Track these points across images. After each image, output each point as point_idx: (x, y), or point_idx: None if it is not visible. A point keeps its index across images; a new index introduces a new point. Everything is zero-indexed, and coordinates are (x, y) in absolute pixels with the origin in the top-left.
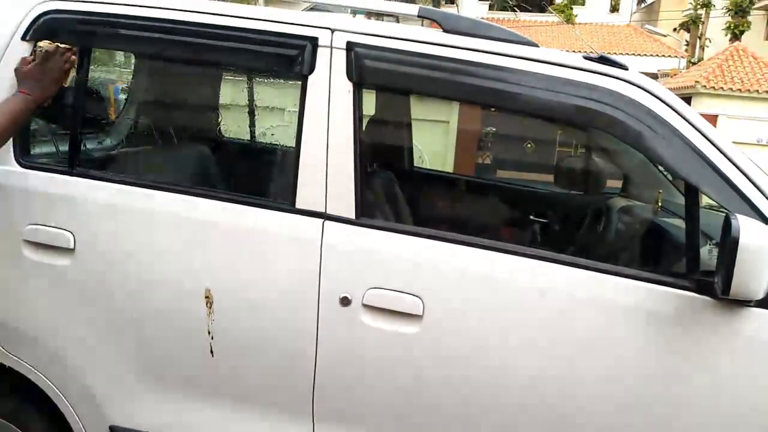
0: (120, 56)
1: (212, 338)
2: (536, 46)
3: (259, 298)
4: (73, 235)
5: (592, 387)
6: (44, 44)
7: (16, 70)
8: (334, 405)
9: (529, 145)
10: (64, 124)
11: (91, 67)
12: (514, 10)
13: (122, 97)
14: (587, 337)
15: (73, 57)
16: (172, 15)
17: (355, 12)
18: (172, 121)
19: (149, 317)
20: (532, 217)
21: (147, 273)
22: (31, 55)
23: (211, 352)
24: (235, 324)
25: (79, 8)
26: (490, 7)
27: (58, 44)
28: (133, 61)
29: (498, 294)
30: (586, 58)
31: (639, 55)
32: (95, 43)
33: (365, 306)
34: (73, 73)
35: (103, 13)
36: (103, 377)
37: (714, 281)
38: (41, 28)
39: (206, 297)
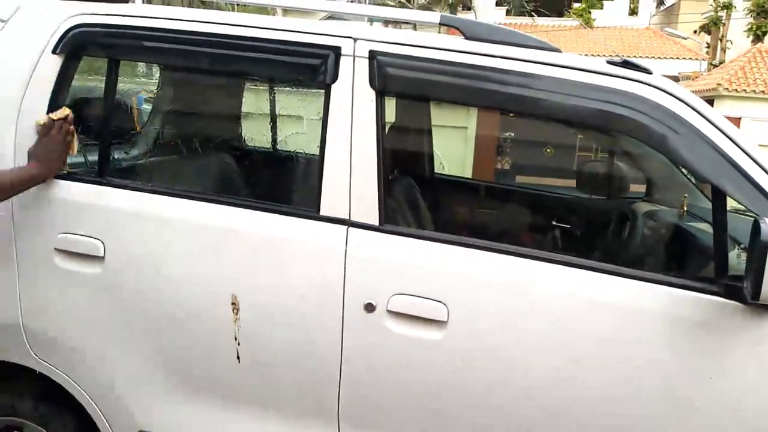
0: (142, 67)
1: (239, 344)
2: (559, 51)
3: (284, 304)
4: (103, 243)
5: (617, 393)
6: (42, 119)
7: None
8: (359, 411)
9: (548, 150)
10: (93, 135)
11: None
12: (532, 15)
13: (145, 107)
14: (613, 343)
15: (71, 127)
16: (198, 27)
17: (372, 20)
18: (196, 131)
19: (177, 324)
20: (554, 222)
21: (174, 280)
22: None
23: (238, 357)
24: (261, 330)
25: (108, 21)
26: (508, 12)
27: (52, 116)
28: (158, 72)
29: (523, 300)
30: (609, 62)
31: (659, 58)
32: (124, 55)
33: (390, 312)
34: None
35: (132, 26)
36: (133, 383)
37: (743, 286)
38: (72, 41)
39: (233, 303)
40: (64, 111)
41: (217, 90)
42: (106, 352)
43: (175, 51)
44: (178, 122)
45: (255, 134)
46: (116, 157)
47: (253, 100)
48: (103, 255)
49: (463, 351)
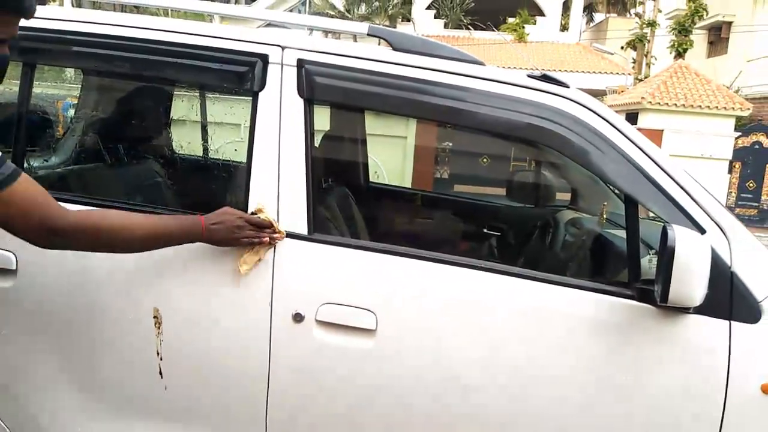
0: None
1: (161, 359)
2: (483, 64)
3: (208, 316)
4: (15, 256)
5: (543, 395)
6: (264, 215)
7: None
8: (288, 423)
9: (484, 160)
10: (5, 143)
11: (38, 83)
12: (469, 29)
13: (71, 113)
14: (537, 347)
15: (265, 240)
16: (121, 31)
17: (312, 29)
18: (118, 138)
19: (96, 340)
20: (485, 230)
21: (93, 294)
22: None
23: (160, 373)
24: (185, 343)
25: (29, 24)
26: (445, 26)
27: (273, 221)
28: (81, 78)
29: (450, 307)
30: (529, 76)
31: (589, 72)
32: (41, 60)
33: (318, 322)
34: None
35: (49, 29)
36: (48, 404)
37: (654, 289)
38: None
39: (154, 317)
40: (281, 233)
41: (142, 96)
42: (18, 373)
43: (95, 56)
44: (101, 129)
45: (189, 142)
46: (33, 165)
47: (189, 106)
48: (15, 268)
49: (393, 359)
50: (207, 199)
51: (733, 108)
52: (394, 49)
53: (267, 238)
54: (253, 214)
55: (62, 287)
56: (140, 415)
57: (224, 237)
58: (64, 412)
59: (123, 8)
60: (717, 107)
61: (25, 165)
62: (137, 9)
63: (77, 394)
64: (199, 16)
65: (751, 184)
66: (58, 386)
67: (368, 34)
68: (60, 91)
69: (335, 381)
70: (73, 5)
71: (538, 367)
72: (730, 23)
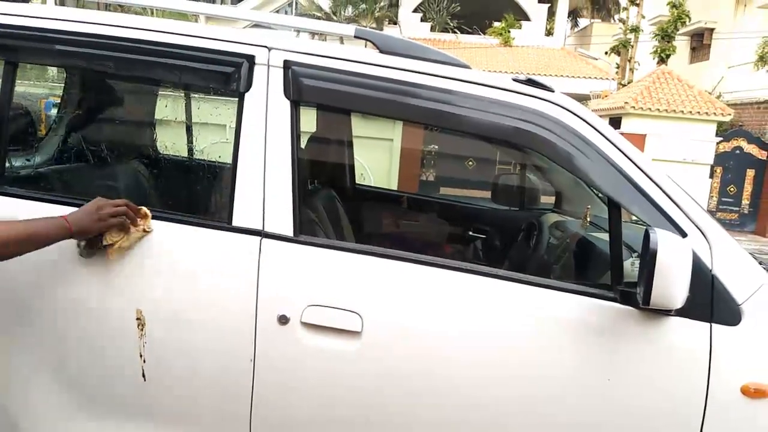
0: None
1: (144, 361)
2: (468, 67)
3: (194, 318)
4: None
5: (526, 396)
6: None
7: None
8: (272, 425)
9: (470, 163)
10: None
11: (20, 81)
12: (455, 32)
13: (53, 112)
14: (519, 349)
15: (133, 228)
16: (103, 30)
17: (298, 31)
18: (102, 138)
19: (78, 340)
20: (470, 232)
21: (75, 294)
22: None
23: (143, 375)
24: (169, 346)
25: (7, 22)
26: (432, 29)
27: (141, 209)
28: (64, 77)
29: (435, 309)
30: (514, 80)
31: (573, 77)
32: (23, 58)
33: (304, 324)
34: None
35: (32, 27)
36: (29, 405)
37: (636, 292)
38: None
39: (138, 319)
40: (147, 212)
41: (126, 96)
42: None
43: (79, 55)
44: (85, 129)
45: (175, 142)
46: (15, 164)
47: (175, 106)
48: None
49: (378, 361)
50: (191, 199)
51: (714, 113)
52: (381, 51)
53: (129, 219)
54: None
55: (44, 288)
56: (123, 418)
57: (88, 221)
58: (45, 414)
59: (108, 7)
60: (699, 112)
61: (7, 164)
62: (122, 8)
63: (58, 395)
64: (184, 15)
65: (731, 189)
66: (40, 388)
67: (355, 36)
68: (43, 89)
69: (320, 383)
70: (56, 3)
71: (522, 368)
72: (712, 30)
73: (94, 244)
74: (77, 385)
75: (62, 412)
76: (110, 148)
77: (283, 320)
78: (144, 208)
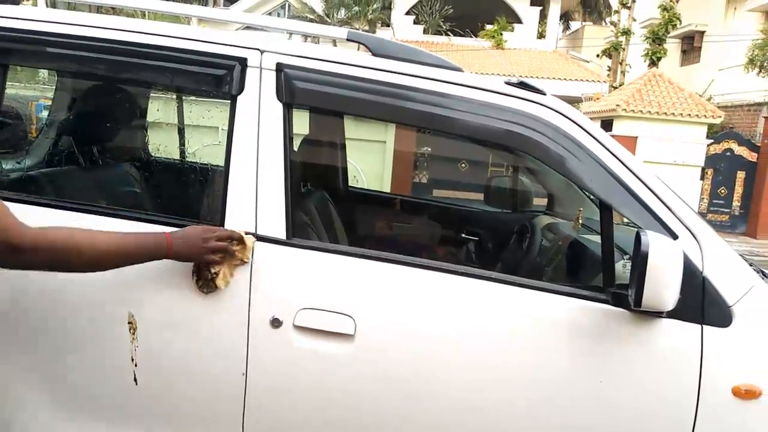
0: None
1: (135, 365)
2: (461, 71)
3: (185, 322)
4: None
5: (520, 398)
6: (248, 237)
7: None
8: (265, 429)
9: (463, 165)
10: None
11: (11, 83)
12: (448, 35)
13: (44, 114)
14: (512, 351)
15: (234, 262)
16: (97, 33)
17: (291, 33)
18: (92, 141)
19: (70, 345)
20: (463, 235)
21: (67, 297)
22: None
23: (135, 380)
24: (161, 350)
25: (2, 24)
26: (425, 31)
27: (249, 237)
28: (55, 79)
29: (428, 311)
30: (507, 83)
31: (565, 79)
32: (14, 60)
33: (296, 327)
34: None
35: (26, 30)
36: (20, 410)
37: (628, 294)
38: None
39: (129, 322)
40: (252, 241)
41: (117, 99)
42: None
43: (71, 57)
44: (74, 131)
45: (169, 145)
46: (6, 167)
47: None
48: None
49: (371, 363)
50: (183, 202)
51: (705, 116)
52: (374, 54)
53: (236, 249)
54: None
55: (34, 290)
56: (114, 422)
57: (190, 250)
58: (36, 419)
59: (99, 9)
60: (690, 115)
61: None
62: (113, 10)
63: (50, 402)
64: (176, 18)
65: (722, 191)
66: (31, 392)
67: (348, 39)
68: (33, 92)
69: (313, 386)
70: (47, 5)
71: (515, 370)
72: (702, 33)
73: (203, 275)
74: (68, 389)
75: (52, 417)
76: (101, 151)
77: (276, 323)
78: (247, 238)
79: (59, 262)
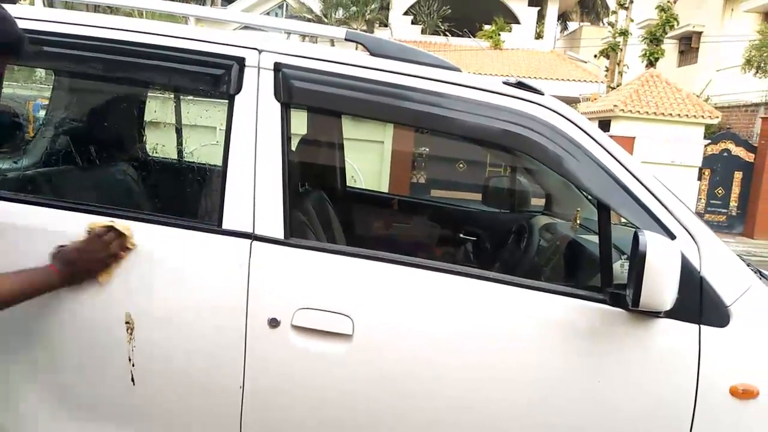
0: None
1: (133, 365)
2: (459, 71)
3: (183, 322)
4: None
5: (517, 398)
6: (95, 224)
7: (58, 247)
8: (262, 429)
9: (460, 165)
10: None
11: (8, 83)
12: (446, 35)
13: (42, 114)
14: (510, 351)
15: (121, 253)
16: (96, 32)
17: (289, 33)
18: (89, 141)
19: (68, 345)
20: (461, 235)
21: (64, 297)
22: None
23: (132, 380)
24: (159, 350)
25: None
26: (423, 31)
27: (112, 226)
28: (52, 78)
29: (426, 311)
30: (505, 83)
31: (563, 80)
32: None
33: (294, 327)
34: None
35: (22, 29)
36: (15, 409)
37: (626, 294)
38: None
39: (127, 322)
40: (127, 228)
41: (115, 98)
42: None
43: (68, 57)
44: (71, 131)
45: (166, 145)
46: (2, 167)
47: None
48: None
49: (369, 363)
50: (181, 202)
51: (702, 116)
52: (372, 54)
53: (117, 247)
54: (87, 235)
55: None
56: (112, 422)
57: (75, 267)
58: (33, 418)
59: (96, 8)
60: (687, 115)
61: None
62: (111, 9)
63: (47, 401)
64: (174, 17)
65: (719, 191)
66: (28, 392)
67: (346, 39)
68: (31, 91)
69: (311, 386)
70: (44, 5)
71: (513, 370)
72: (699, 33)
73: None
74: (65, 389)
75: (50, 417)
76: (99, 151)
77: (274, 323)
78: (122, 228)
79: None
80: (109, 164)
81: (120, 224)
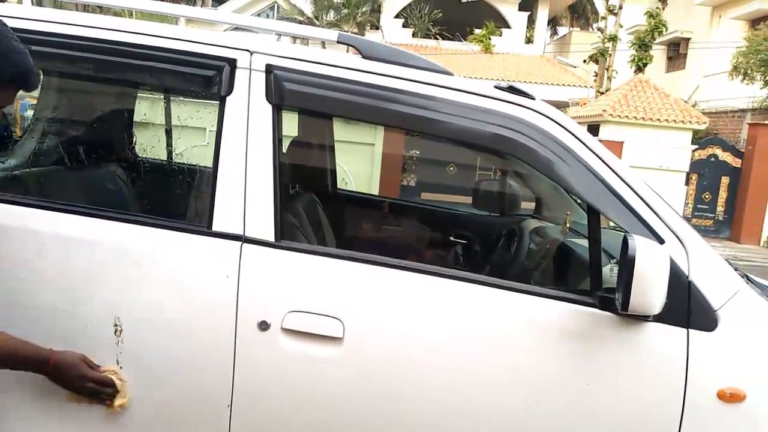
0: None
1: (120, 367)
2: (451, 74)
3: (172, 324)
4: None
5: (507, 401)
6: (118, 375)
7: (80, 358)
8: (251, 431)
9: (451, 168)
10: None
11: None
12: (437, 38)
13: (29, 113)
14: (500, 354)
15: (106, 404)
16: (86, 32)
17: (280, 35)
18: (78, 141)
19: (54, 346)
20: (451, 238)
21: (53, 300)
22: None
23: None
24: (147, 352)
25: None
26: (413, 35)
27: (120, 385)
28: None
29: (416, 314)
30: (496, 87)
31: (552, 84)
32: None
33: (284, 330)
34: None
35: (14, 29)
36: (3, 412)
37: (615, 298)
38: None
39: (115, 324)
40: (124, 402)
41: (104, 98)
42: None
43: (57, 56)
44: (60, 131)
45: (156, 146)
46: None
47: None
48: None
49: (359, 366)
50: (170, 204)
51: (690, 121)
52: (364, 56)
53: (107, 400)
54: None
55: (19, 290)
56: (100, 423)
57: (63, 384)
58: (20, 418)
59: (86, 8)
60: (675, 120)
61: None
62: (100, 9)
63: (30, 401)
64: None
65: (707, 196)
66: (11, 393)
67: (338, 42)
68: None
69: (301, 389)
70: (33, 3)
71: (503, 373)
72: (687, 39)
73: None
74: (51, 390)
75: (36, 417)
76: (88, 151)
77: (264, 326)
78: (120, 401)
79: None
80: (97, 165)
81: (121, 398)
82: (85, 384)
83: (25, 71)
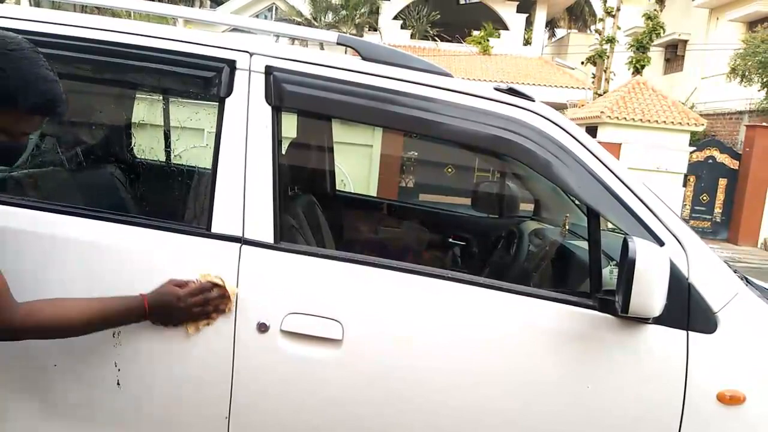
0: None
1: (119, 370)
2: (450, 76)
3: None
4: None
5: (507, 403)
6: (206, 275)
7: (168, 284)
8: None
9: (449, 170)
10: None
11: None
12: (435, 40)
13: None
14: (499, 356)
15: (214, 315)
16: (86, 33)
17: (278, 36)
18: (80, 142)
19: (53, 348)
20: (450, 240)
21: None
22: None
23: (118, 384)
24: (145, 354)
25: None
26: (412, 36)
27: (220, 285)
28: None
29: (416, 316)
30: (496, 89)
31: (550, 86)
32: None
33: (283, 332)
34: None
35: (8, 29)
36: (3, 415)
37: (615, 300)
38: None
39: None
40: (234, 291)
41: (103, 100)
42: None
43: (55, 57)
44: (58, 133)
45: (155, 147)
46: None
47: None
48: None
49: (359, 369)
50: (169, 205)
51: (688, 123)
52: (363, 58)
53: (213, 309)
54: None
55: (17, 290)
56: (98, 425)
57: (169, 319)
58: (19, 421)
59: (84, 9)
60: (673, 122)
61: None
62: (99, 10)
63: (29, 402)
64: (163, 18)
65: (704, 198)
66: (11, 394)
67: (338, 43)
68: None
69: (299, 391)
70: (31, 4)
71: (503, 376)
72: (685, 41)
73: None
74: (50, 391)
75: (32, 419)
76: (86, 152)
77: (263, 328)
78: (230, 290)
79: (48, 336)
80: (96, 167)
81: (229, 287)
82: (189, 303)
83: (50, 100)
